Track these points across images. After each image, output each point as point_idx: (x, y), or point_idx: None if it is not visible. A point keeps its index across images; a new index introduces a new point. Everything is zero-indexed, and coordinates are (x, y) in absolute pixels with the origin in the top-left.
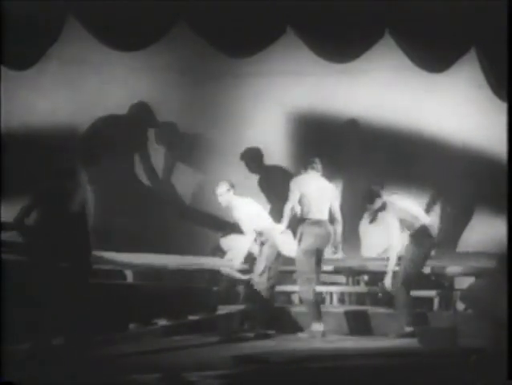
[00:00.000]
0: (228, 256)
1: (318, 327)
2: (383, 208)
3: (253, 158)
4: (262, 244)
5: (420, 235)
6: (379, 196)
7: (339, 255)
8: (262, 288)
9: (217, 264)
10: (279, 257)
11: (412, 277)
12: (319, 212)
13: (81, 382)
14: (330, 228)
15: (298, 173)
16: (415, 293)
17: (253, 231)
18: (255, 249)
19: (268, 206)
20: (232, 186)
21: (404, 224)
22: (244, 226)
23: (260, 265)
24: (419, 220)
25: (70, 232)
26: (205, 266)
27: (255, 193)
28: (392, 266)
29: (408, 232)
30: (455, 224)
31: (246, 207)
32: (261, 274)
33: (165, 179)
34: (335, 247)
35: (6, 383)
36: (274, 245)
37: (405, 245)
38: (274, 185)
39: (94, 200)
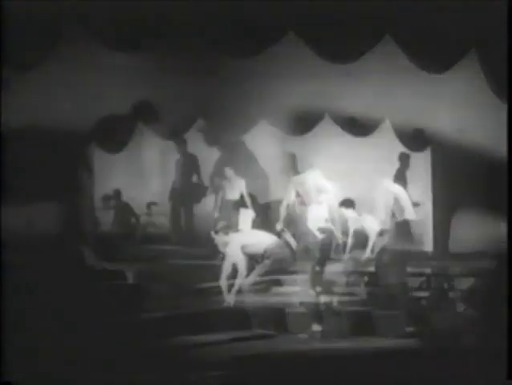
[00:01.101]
0: None
1: (318, 327)
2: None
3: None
4: (266, 258)
5: (400, 230)
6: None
7: (340, 254)
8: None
9: None
10: (275, 272)
11: (404, 275)
12: (321, 209)
13: (81, 382)
14: (332, 226)
15: (297, 173)
16: (415, 293)
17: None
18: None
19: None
20: (222, 227)
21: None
22: (240, 265)
23: (253, 276)
24: (403, 213)
25: None
26: None
27: None
28: (373, 237)
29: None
30: (454, 224)
31: (239, 240)
32: (251, 284)
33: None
34: (336, 244)
35: (6, 383)
36: (276, 260)
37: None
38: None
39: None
